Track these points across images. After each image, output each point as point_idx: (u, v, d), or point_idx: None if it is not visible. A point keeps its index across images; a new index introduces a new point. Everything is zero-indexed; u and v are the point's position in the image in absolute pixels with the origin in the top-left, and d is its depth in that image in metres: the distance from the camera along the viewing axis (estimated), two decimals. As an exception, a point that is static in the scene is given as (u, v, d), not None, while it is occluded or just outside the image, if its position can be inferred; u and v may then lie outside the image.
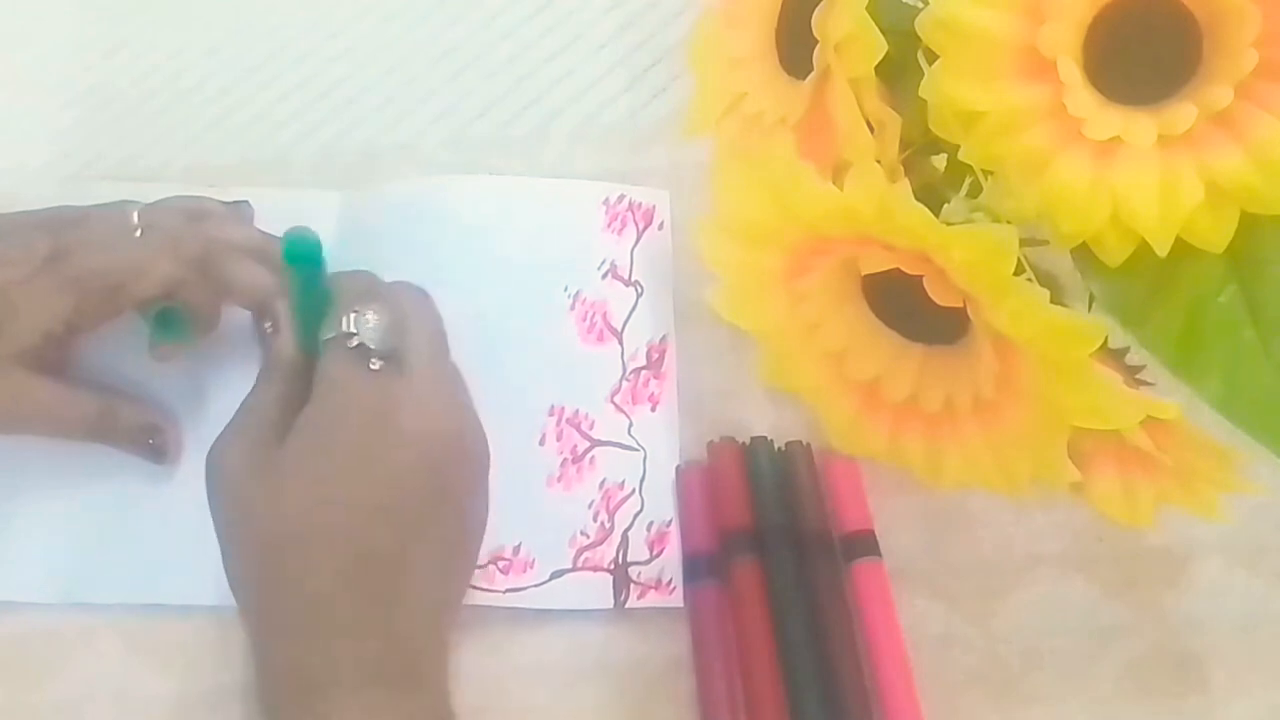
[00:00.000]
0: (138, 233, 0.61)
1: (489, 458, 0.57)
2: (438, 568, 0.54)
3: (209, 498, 0.54)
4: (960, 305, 0.51)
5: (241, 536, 0.53)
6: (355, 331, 0.54)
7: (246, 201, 0.68)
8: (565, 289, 0.68)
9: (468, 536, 0.57)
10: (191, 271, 0.61)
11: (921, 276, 0.51)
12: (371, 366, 0.54)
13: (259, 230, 0.67)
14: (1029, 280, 0.49)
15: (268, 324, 0.58)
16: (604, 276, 0.68)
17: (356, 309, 0.55)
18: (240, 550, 0.53)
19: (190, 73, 0.75)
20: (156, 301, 0.61)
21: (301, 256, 0.54)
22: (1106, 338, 0.48)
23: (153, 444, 0.62)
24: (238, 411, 0.55)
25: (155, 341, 0.64)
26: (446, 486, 0.54)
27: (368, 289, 0.57)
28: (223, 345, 0.65)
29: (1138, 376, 0.55)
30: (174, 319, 0.63)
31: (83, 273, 0.59)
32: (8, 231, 0.60)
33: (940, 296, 0.51)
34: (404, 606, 0.52)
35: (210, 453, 0.54)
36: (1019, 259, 0.47)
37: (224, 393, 0.64)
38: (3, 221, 0.61)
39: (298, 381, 0.55)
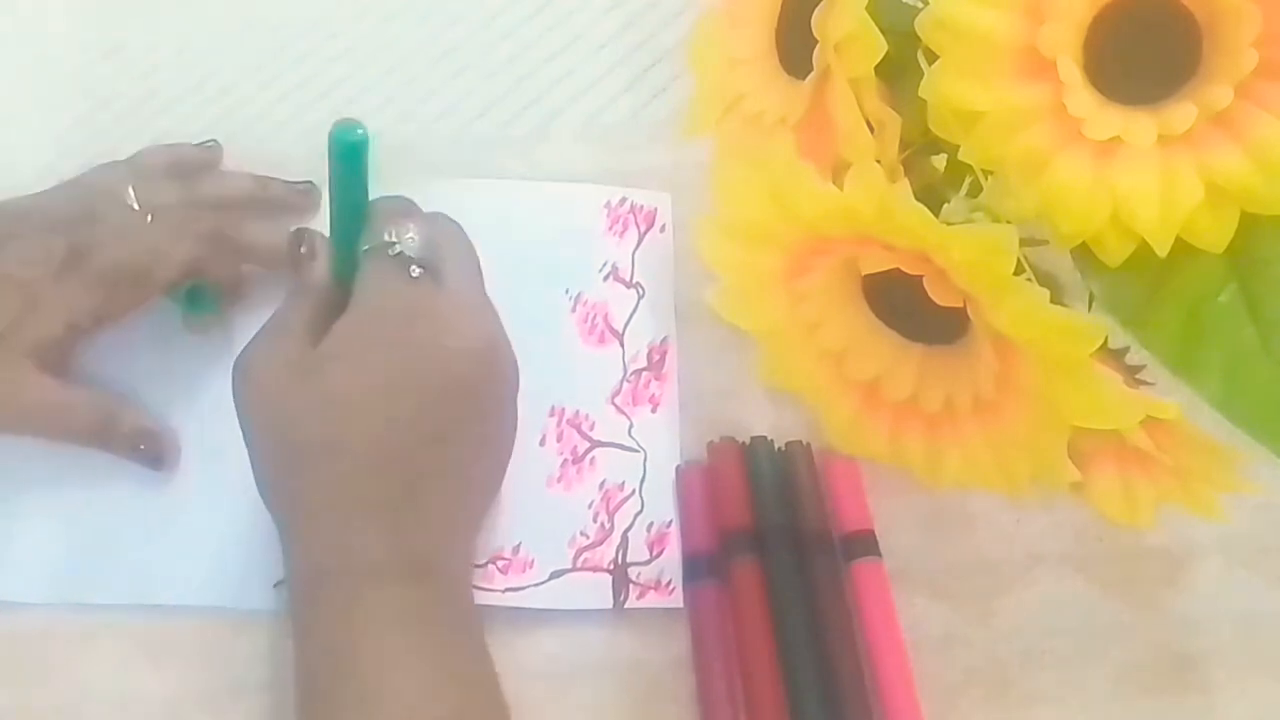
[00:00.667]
0: (148, 219, 0.61)
1: (519, 376, 0.58)
2: (460, 473, 0.55)
3: (235, 402, 0.55)
4: (960, 305, 0.51)
5: (272, 433, 0.54)
6: (396, 240, 0.54)
7: (215, 141, 0.70)
8: (566, 291, 0.68)
9: (493, 449, 0.58)
10: (209, 246, 0.63)
11: (921, 276, 0.51)
12: (411, 274, 0.54)
13: (250, 175, 0.68)
14: (1029, 280, 0.49)
15: (302, 248, 0.58)
16: (605, 279, 0.68)
17: (397, 223, 0.55)
18: (271, 447, 0.54)
19: (190, 73, 0.75)
20: (181, 281, 0.63)
21: (348, 149, 0.53)
22: (1106, 337, 0.48)
23: (149, 450, 0.62)
24: (267, 324, 0.56)
25: (188, 317, 0.65)
26: (476, 396, 0.55)
27: (406, 209, 0.57)
28: (224, 348, 0.65)
29: (1138, 376, 0.55)
30: (201, 294, 0.65)
31: (106, 269, 0.60)
32: (20, 233, 0.60)
33: (940, 296, 0.51)
34: (424, 505, 0.53)
35: (238, 361, 0.55)
36: (1019, 259, 0.47)
37: (225, 395, 0.65)
38: (11, 222, 0.61)
39: (329, 300, 0.56)
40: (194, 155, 0.69)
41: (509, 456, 0.59)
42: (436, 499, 0.54)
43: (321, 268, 0.57)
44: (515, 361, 0.57)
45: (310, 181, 0.69)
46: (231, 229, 0.64)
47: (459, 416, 0.54)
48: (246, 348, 0.55)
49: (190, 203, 0.63)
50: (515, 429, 0.59)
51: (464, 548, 0.57)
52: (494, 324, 0.56)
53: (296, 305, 0.56)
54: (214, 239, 0.63)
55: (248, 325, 0.63)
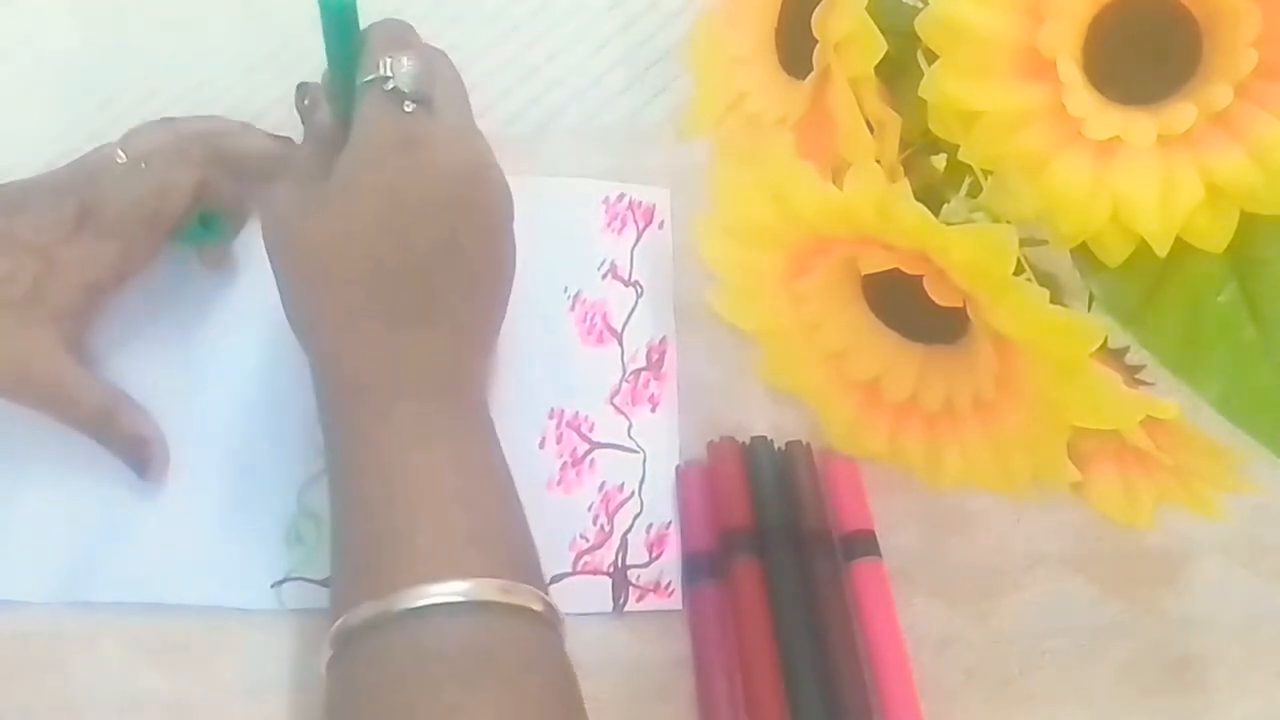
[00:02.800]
0: (142, 165, 0.62)
1: (513, 205, 0.60)
2: (470, 287, 0.58)
3: (264, 239, 0.59)
4: (960, 305, 0.51)
5: (296, 265, 0.57)
6: (390, 75, 0.56)
7: None
8: (565, 289, 0.68)
9: (493, 271, 0.61)
10: (208, 169, 0.64)
11: (921, 276, 0.51)
12: (405, 109, 0.56)
13: (223, 118, 0.69)
14: (1029, 280, 0.49)
15: (305, 100, 0.62)
16: (604, 277, 0.68)
17: (392, 54, 0.57)
18: (296, 278, 0.57)
19: (190, 73, 0.75)
20: (190, 214, 0.64)
21: (336, 16, 0.57)
22: (1106, 337, 0.48)
23: (139, 456, 0.62)
24: (284, 171, 0.61)
25: (200, 245, 0.67)
26: (473, 211, 0.58)
27: (401, 36, 0.60)
28: (225, 351, 0.65)
29: (1137, 376, 0.55)
30: (212, 221, 0.66)
31: (118, 217, 0.61)
32: (29, 203, 0.61)
33: (940, 296, 0.51)
34: (441, 321, 0.57)
35: (260, 199, 0.62)
36: (1019, 259, 0.47)
37: (225, 395, 0.65)
38: (18, 195, 0.61)
39: (333, 141, 0.58)
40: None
41: (512, 278, 0.62)
42: (451, 314, 0.57)
43: (323, 113, 0.60)
44: (507, 185, 0.60)
45: (288, 138, 0.70)
46: (224, 146, 0.66)
47: (460, 231, 0.57)
48: (267, 190, 0.60)
49: (178, 139, 0.64)
50: (515, 252, 0.61)
51: (481, 364, 0.61)
52: (484, 147, 0.59)
53: (305, 149, 0.61)
54: (211, 161, 0.65)
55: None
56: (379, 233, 0.55)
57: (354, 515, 0.54)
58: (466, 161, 0.58)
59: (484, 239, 0.59)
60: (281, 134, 0.68)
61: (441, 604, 0.49)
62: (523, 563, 0.54)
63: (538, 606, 0.51)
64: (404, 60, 0.57)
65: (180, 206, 0.63)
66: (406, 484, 0.53)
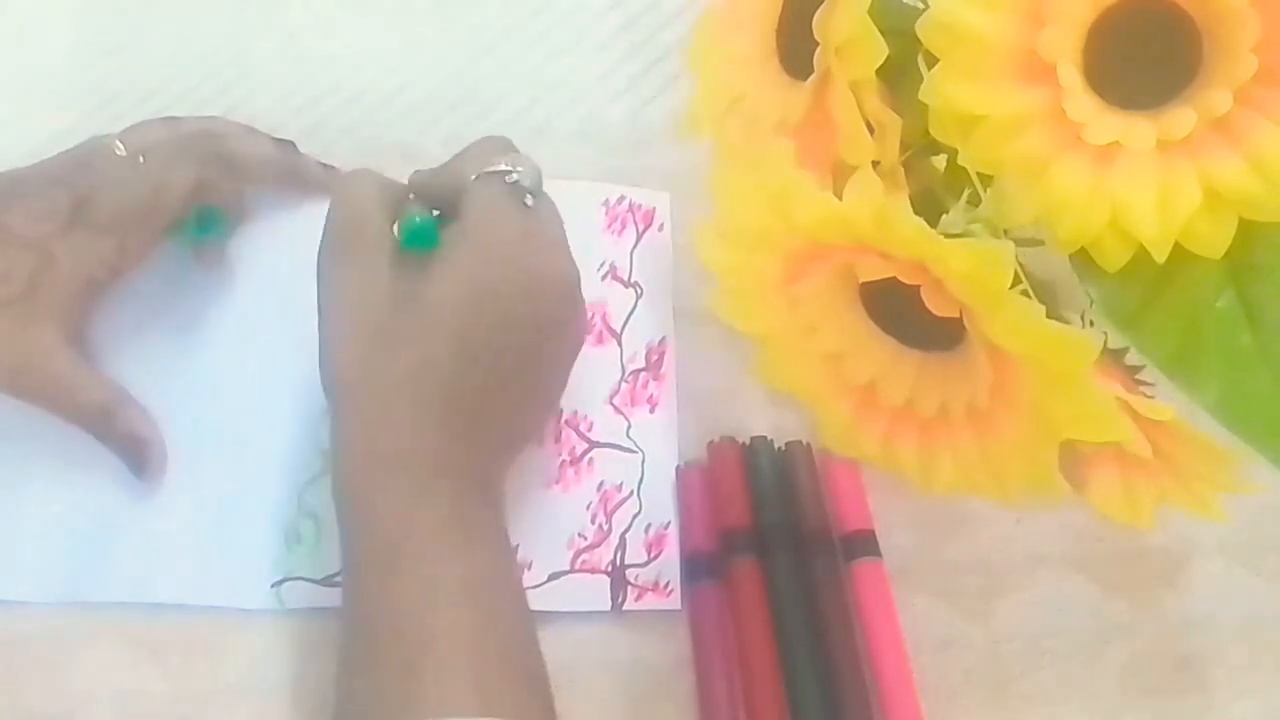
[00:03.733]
0: (140, 159, 0.62)
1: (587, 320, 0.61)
2: (530, 398, 0.59)
3: (321, 276, 0.57)
4: (957, 315, 0.51)
5: (362, 315, 0.55)
6: (512, 170, 0.57)
7: None
8: (565, 290, 0.68)
9: (557, 382, 0.61)
10: (206, 168, 0.64)
11: (919, 286, 0.51)
12: (525, 203, 0.57)
13: (225, 119, 0.69)
14: (1025, 293, 0.49)
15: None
16: (603, 278, 0.69)
17: (510, 155, 0.58)
18: (357, 329, 0.55)
19: (190, 73, 0.75)
20: (188, 210, 0.64)
21: (421, 241, 0.56)
22: (1105, 343, 0.48)
23: (135, 456, 0.62)
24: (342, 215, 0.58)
25: (196, 242, 0.66)
26: (562, 329, 0.58)
27: (510, 145, 0.60)
28: (226, 351, 0.65)
29: (1137, 377, 0.55)
30: (209, 218, 0.66)
31: (116, 211, 0.61)
32: (21, 194, 0.61)
33: (937, 306, 0.50)
34: (492, 421, 0.56)
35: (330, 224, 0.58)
36: (1016, 269, 0.47)
37: (226, 396, 0.65)
38: (10, 185, 0.61)
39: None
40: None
41: (562, 391, 0.61)
42: (503, 417, 0.57)
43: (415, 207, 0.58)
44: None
45: (291, 142, 0.70)
46: (224, 148, 0.65)
47: (541, 341, 0.57)
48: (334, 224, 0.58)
49: (178, 137, 0.64)
50: (569, 370, 0.61)
51: (509, 467, 0.59)
52: (575, 267, 0.59)
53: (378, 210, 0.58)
54: (210, 160, 0.64)
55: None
56: (470, 322, 0.55)
57: (362, 627, 0.52)
58: (570, 278, 0.58)
59: (561, 356, 0.60)
60: (283, 138, 0.69)
61: None
62: (511, 695, 0.51)
63: None
64: (523, 160, 0.58)
65: (178, 204, 0.63)
66: (418, 607, 0.51)
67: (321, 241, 0.57)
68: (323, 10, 0.78)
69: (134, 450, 0.62)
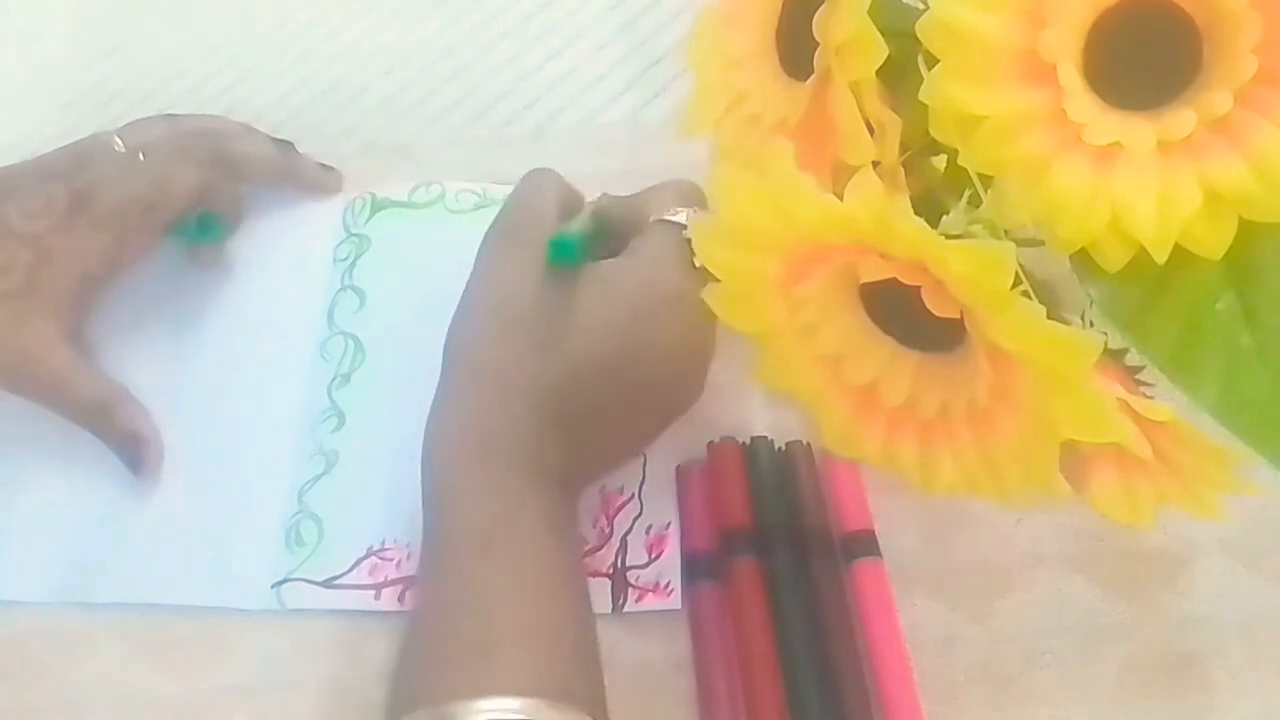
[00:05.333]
0: (139, 155, 0.62)
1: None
2: (630, 436, 0.62)
3: (481, 255, 0.59)
4: (958, 316, 0.51)
5: (512, 311, 0.57)
6: (687, 225, 0.58)
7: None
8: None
9: (658, 429, 0.63)
10: (209, 170, 0.64)
11: (919, 286, 0.51)
12: (697, 263, 0.56)
13: (225, 118, 0.70)
14: (1026, 294, 0.49)
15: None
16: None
17: (695, 207, 0.60)
18: (502, 323, 0.57)
19: (190, 73, 0.75)
20: (188, 211, 0.64)
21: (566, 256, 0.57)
22: (1105, 344, 0.48)
23: (132, 453, 0.62)
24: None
25: (194, 244, 0.67)
26: (680, 393, 0.61)
27: (697, 194, 0.62)
28: (226, 351, 0.65)
29: (1137, 377, 0.55)
30: (209, 222, 0.66)
31: (114, 207, 0.61)
32: (17, 188, 0.60)
33: (938, 307, 0.50)
34: (596, 449, 0.59)
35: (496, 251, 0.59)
36: (1016, 270, 0.47)
37: (225, 396, 0.65)
38: (6, 180, 0.61)
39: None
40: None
41: (654, 439, 0.63)
42: (601, 443, 0.59)
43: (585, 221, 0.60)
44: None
45: (290, 143, 0.71)
46: (225, 148, 0.66)
47: (661, 392, 0.60)
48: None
49: (178, 134, 0.64)
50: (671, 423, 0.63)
51: (585, 488, 0.61)
52: (714, 339, 0.61)
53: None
54: (211, 161, 0.64)
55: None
56: (612, 354, 0.56)
57: (431, 610, 0.53)
58: (709, 346, 0.60)
59: (674, 409, 0.62)
60: (282, 138, 0.69)
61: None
62: (581, 686, 0.53)
63: None
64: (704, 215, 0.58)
65: (179, 204, 0.63)
66: (493, 591, 0.52)
67: (494, 222, 0.59)
68: (323, 10, 0.78)
69: (132, 447, 0.62)
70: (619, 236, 0.59)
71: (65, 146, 0.63)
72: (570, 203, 0.60)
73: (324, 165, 0.71)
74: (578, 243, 0.57)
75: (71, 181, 0.61)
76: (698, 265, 0.55)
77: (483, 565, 0.52)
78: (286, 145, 0.68)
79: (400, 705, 0.50)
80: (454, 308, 0.58)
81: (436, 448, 0.56)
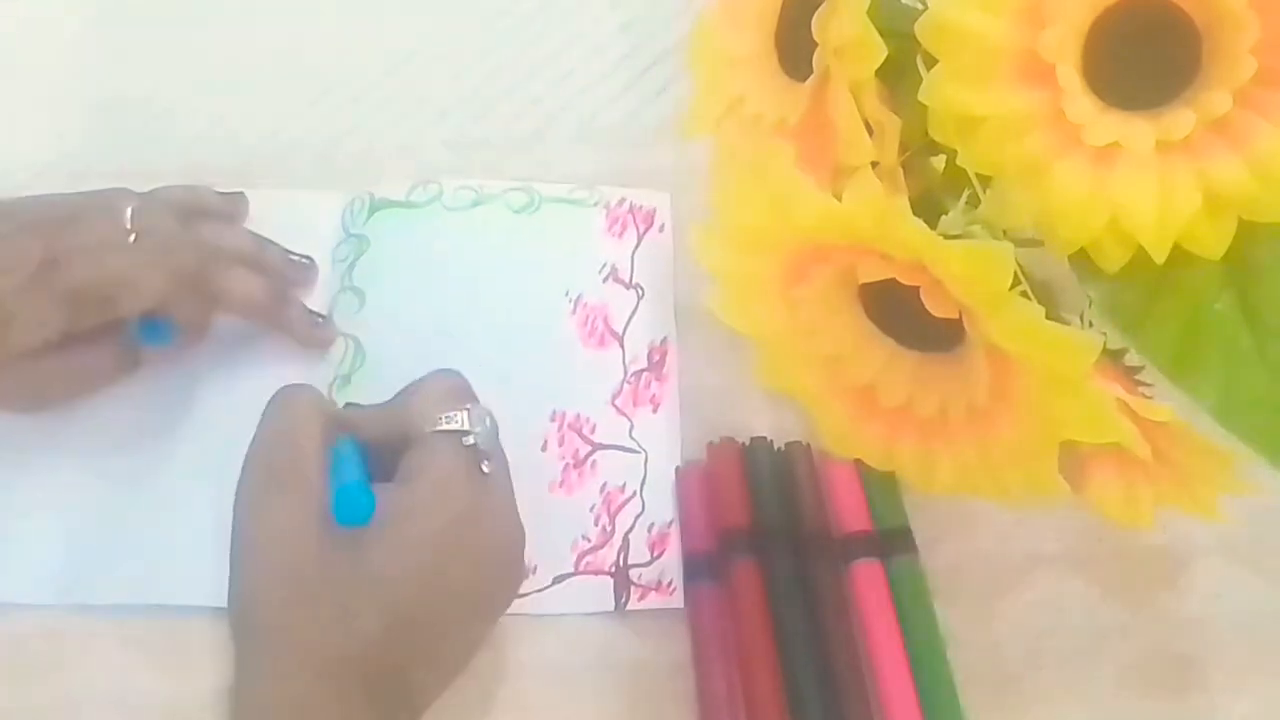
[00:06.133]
0: (131, 238, 0.60)
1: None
2: (450, 667, 0.55)
3: (237, 522, 0.53)
4: (956, 316, 0.51)
5: (286, 571, 0.51)
6: (469, 430, 0.54)
7: (242, 193, 0.70)
8: (566, 294, 0.68)
9: (488, 630, 0.57)
10: (182, 286, 0.61)
11: (918, 287, 0.51)
12: (483, 469, 0.54)
13: (251, 234, 0.68)
14: (1025, 293, 0.49)
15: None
16: (604, 280, 0.69)
17: (468, 406, 0.55)
18: (279, 582, 0.51)
19: (190, 74, 0.75)
20: (146, 313, 0.62)
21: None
22: (1105, 344, 0.48)
23: (153, 327, 0.63)
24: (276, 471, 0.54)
25: (141, 345, 0.64)
26: (494, 603, 0.56)
27: (464, 390, 0.58)
28: (225, 351, 0.66)
29: (1137, 378, 0.55)
30: (159, 327, 0.63)
31: (75, 285, 0.59)
32: (3, 234, 0.59)
33: (937, 308, 0.50)
34: (412, 690, 0.52)
35: (248, 471, 0.54)
36: (1015, 270, 0.47)
37: (224, 396, 0.65)
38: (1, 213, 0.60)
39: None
40: (215, 201, 0.69)
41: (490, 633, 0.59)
42: (427, 677, 0.53)
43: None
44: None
45: (310, 258, 0.69)
46: (210, 270, 0.63)
47: (479, 608, 0.55)
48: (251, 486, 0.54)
49: (179, 242, 0.62)
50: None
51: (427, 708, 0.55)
52: (519, 521, 0.57)
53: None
54: (190, 281, 0.62)
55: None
56: (405, 595, 0.51)
57: None
58: (514, 550, 0.56)
59: (491, 623, 0.57)
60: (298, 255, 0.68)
61: None
62: None
63: None
64: (484, 416, 0.55)
65: (137, 307, 0.61)
66: None
67: (247, 461, 0.54)
68: (321, 12, 0.78)
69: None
70: (391, 450, 0.55)
71: (77, 197, 0.62)
72: (332, 419, 0.56)
73: (315, 313, 0.68)
74: (365, 497, 0.52)
75: (52, 240, 0.59)
76: (485, 471, 0.54)
77: None
78: (304, 267, 0.67)
79: None
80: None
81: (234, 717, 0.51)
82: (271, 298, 0.65)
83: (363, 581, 0.50)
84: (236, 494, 0.53)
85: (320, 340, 0.67)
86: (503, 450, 0.57)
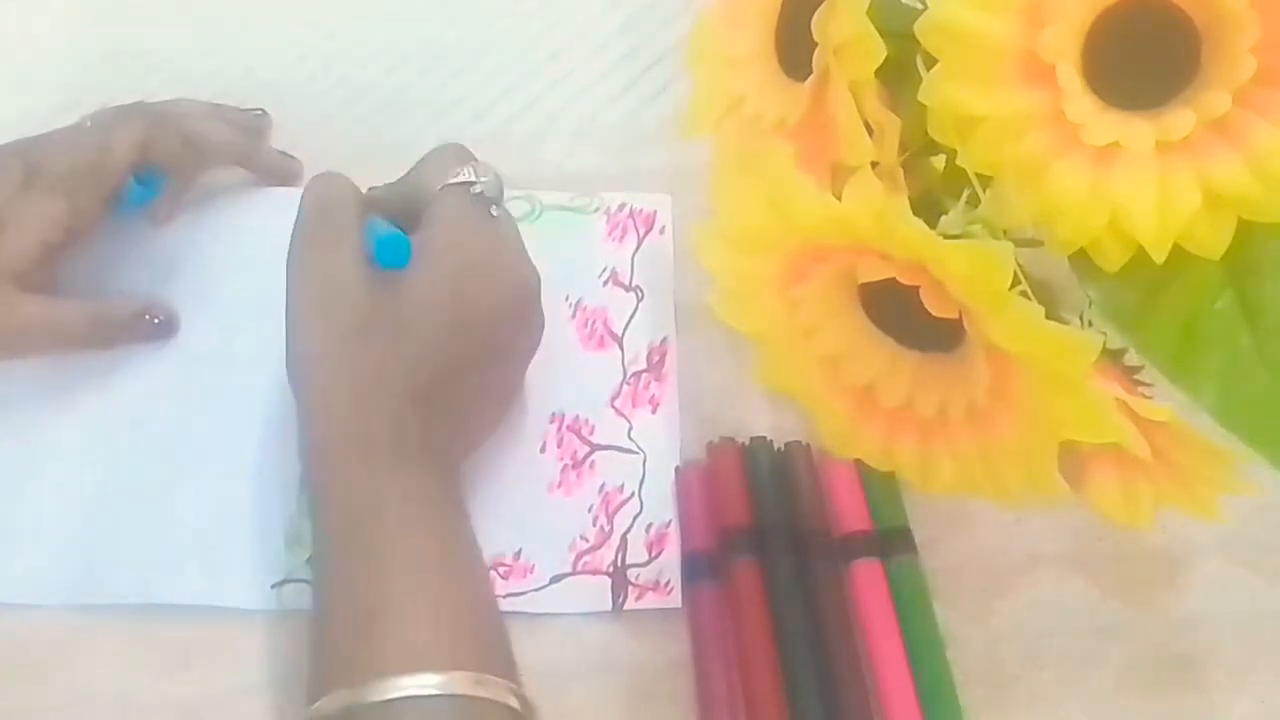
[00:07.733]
0: (87, 123, 0.65)
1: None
2: (490, 391, 0.62)
3: (290, 274, 0.58)
4: (956, 316, 0.51)
5: (334, 311, 0.57)
6: (477, 181, 0.59)
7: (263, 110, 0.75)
8: (566, 299, 0.68)
9: (516, 376, 0.64)
10: (153, 128, 0.66)
11: (918, 287, 0.51)
12: (492, 213, 0.60)
13: (205, 102, 0.72)
14: (1025, 294, 0.49)
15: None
16: (604, 284, 0.69)
17: (474, 164, 0.60)
18: (326, 325, 0.57)
19: (189, 74, 0.75)
20: (137, 168, 0.66)
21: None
22: (1105, 344, 0.48)
23: (155, 323, 0.65)
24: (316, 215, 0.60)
25: (142, 206, 0.68)
26: (522, 328, 0.61)
27: (466, 154, 0.62)
28: (225, 351, 0.66)
29: (1137, 377, 0.55)
30: (148, 180, 0.67)
31: (63, 173, 0.63)
32: None
33: (936, 308, 0.50)
34: (456, 411, 0.58)
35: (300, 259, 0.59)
36: (1015, 270, 0.47)
37: (220, 396, 0.65)
38: None
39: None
40: (236, 115, 0.73)
41: (519, 383, 0.65)
42: (464, 407, 0.59)
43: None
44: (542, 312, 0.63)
45: (262, 109, 0.73)
46: (181, 119, 0.68)
47: (505, 343, 0.60)
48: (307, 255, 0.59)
49: (131, 108, 0.67)
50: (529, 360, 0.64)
51: (471, 451, 0.62)
52: (534, 268, 0.61)
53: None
54: (157, 121, 0.66)
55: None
56: (439, 322, 0.57)
57: (335, 594, 0.54)
58: (530, 279, 0.60)
59: (521, 352, 0.63)
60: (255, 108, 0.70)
61: (413, 697, 0.48)
62: (497, 656, 0.54)
63: (512, 701, 0.51)
64: (488, 170, 0.60)
65: (123, 163, 0.65)
66: (388, 573, 0.53)
67: (294, 230, 0.59)
68: (320, 12, 0.78)
69: (146, 319, 0.65)
70: (410, 215, 0.60)
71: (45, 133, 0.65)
72: (361, 198, 0.61)
73: (285, 154, 0.72)
74: (403, 240, 0.58)
75: (26, 155, 0.63)
76: (495, 214, 0.59)
77: (361, 549, 0.53)
78: (256, 119, 0.71)
79: (315, 686, 0.51)
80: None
81: (304, 454, 0.57)
82: (244, 141, 0.70)
83: (399, 312, 0.56)
84: (287, 266, 0.58)
85: (293, 173, 0.72)
86: (507, 207, 0.62)
